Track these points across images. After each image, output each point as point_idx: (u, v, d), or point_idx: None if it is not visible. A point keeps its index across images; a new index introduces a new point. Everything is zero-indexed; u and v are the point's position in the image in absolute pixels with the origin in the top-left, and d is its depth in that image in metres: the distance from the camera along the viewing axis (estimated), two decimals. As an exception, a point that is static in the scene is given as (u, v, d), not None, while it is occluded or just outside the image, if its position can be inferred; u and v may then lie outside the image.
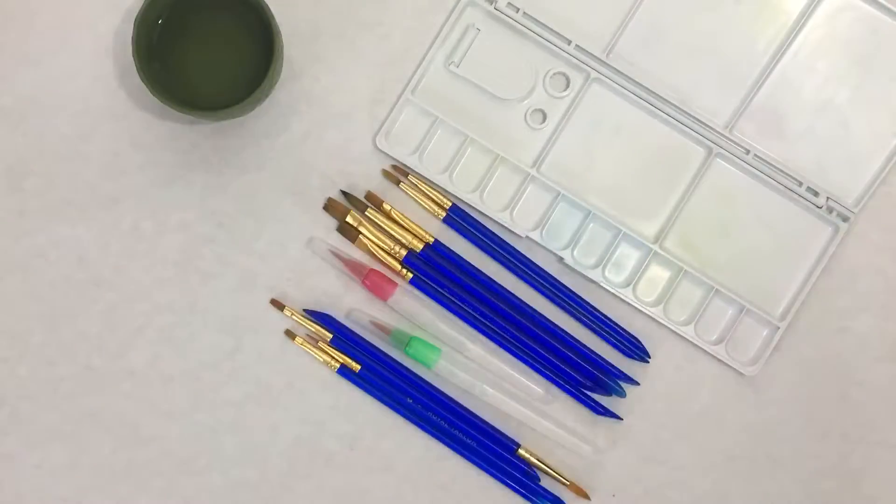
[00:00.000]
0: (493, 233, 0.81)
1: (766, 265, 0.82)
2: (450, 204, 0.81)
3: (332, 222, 0.81)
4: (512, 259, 0.81)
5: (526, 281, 0.81)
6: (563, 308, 0.81)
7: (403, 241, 0.80)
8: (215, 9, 0.77)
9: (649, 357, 0.81)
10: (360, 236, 0.80)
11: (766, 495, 0.81)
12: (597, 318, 0.81)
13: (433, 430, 0.80)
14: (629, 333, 0.81)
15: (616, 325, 0.81)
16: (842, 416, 0.82)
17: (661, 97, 0.81)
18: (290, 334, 0.80)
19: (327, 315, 0.80)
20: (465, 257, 0.81)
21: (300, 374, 0.80)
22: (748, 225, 0.82)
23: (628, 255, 0.82)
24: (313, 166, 0.81)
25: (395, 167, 0.81)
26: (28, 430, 0.79)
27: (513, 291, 0.81)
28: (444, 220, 0.80)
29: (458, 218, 0.81)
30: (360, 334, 0.81)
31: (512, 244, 0.81)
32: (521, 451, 0.80)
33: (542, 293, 0.81)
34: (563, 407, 0.81)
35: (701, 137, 0.81)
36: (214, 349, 0.80)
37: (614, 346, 0.81)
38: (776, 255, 0.82)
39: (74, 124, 0.80)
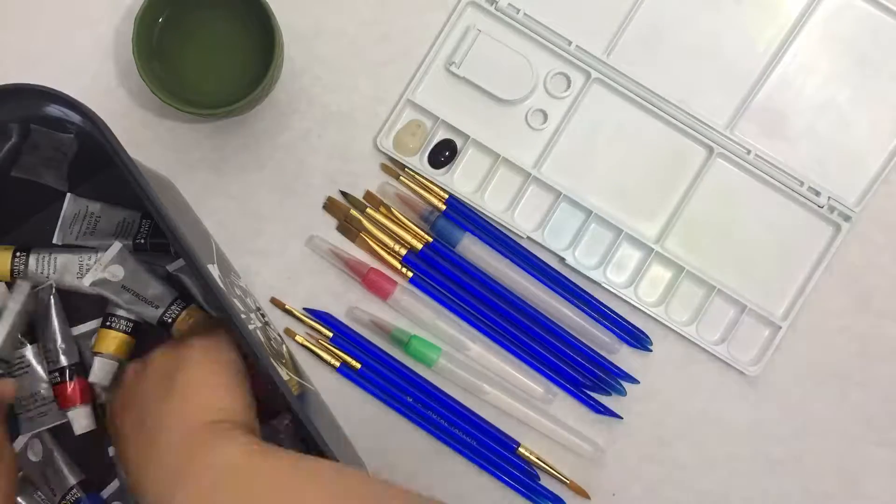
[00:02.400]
0: (492, 224, 0.81)
1: (768, 265, 0.82)
2: (446, 195, 0.81)
3: (333, 221, 0.81)
4: (511, 250, 0.81)
5: (526, 270, 0.81)
6: (562, 297, 0.81)
7: (403, 240, 0.80)
8: (216, 8, 0.77)
9: (651, 344, 0.81)
10: (360, 235, 0.80)
11: (766, 495, 0.81)
12: (596, 307, 0.81)
13: (433, 428, 0.80)
14: (629, 322, 0.81)
15: (616, 313, 0.81)
16: (842, 416, 0.82)
17: (661, 97, 0.81)
18: (290, 332, 0.80)
19: (327, 314, 0.80)
20: (463, 255, 0.81)
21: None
22: (749, 225, 0.82)
23: (630, 256, 0.82)
24: (313, 166, 0.81)
25: (393, 161, 0.81)
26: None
27: (512, 289, 0.80)
28: (444, 213, 0.80)
29: (457, 210, 0.81)
30: (360, 333, 0.81)
31: (511, 238, 0.81)
32: (521, 450, 0.80)
33: (543, 282, 0.81)
34: (564, 406, 0.81)
35: (702, 137, 0.81)
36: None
37: (616, 334, 0.81)
38: (777, 254, 0.82)
39: (75, 123, 0.80)
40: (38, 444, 0.76)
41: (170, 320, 0.73)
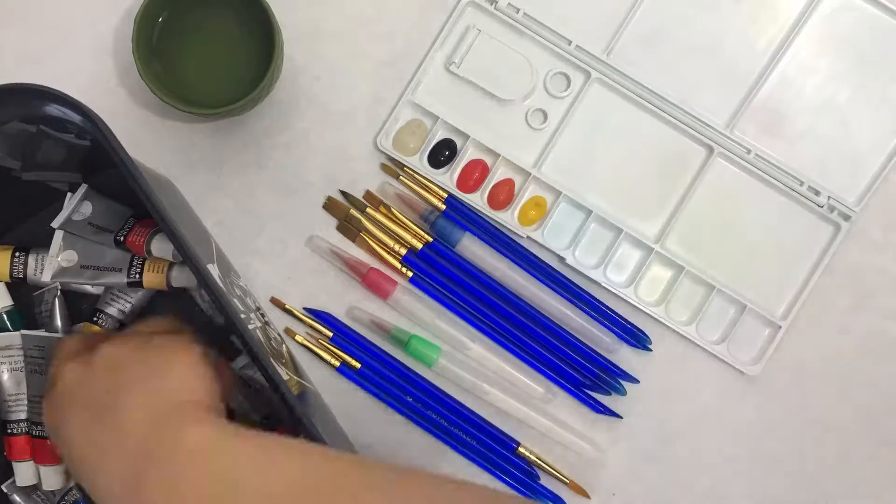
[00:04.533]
0: (492, 224, 0.81)
1: (768, 264, 0.82)
2: (446, 195, 0.81)
3: (333, 221, 0.81)
4: (511, 249, 0.81)
5: (526, 270, 0.81)
6: (562, 296, 0.81)
7: (403, 239, 0.80)
8: (215, 7, 0.77)
9: (651, 343, 0.81)
10: (360, 235, 0.80)
11: (766, 495, 0.81)
12: (596, 306, 0.81)
13: (433, 428, 0.80)
14: (629, 322, 0.81)
15: (616, 313, 0.81)
16: (842, 416, 0.82)
17: (661, 97, 0.81)
18: (290, 332, 0.80)
19: (327, 313, 0.80)
20: (463, 255, 0.81)
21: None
22: (749, 224, 0.82)
23: (629, 255, 0.82)
24: (313, 165, 0.81)
25: (393, 160, 0.81)
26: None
27: (512, 288, 0.80)
28: (444, 213, 0.80)
29: (456, 209, 0.81)
30: (360, 332, 0.81)
31: (511, 238, 0.81)
32: (520, 450, 0.80)
33: (543, 282, 0.81)
34: (563, 405, 0.81)
35: (702, 137, 0.81)
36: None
37: (616, 333, 0.81)
38: (777, 254, 0.82)
39: (75, 123, 0.80)
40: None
41: (137, 277, 0.73)
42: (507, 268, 0.80)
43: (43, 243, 0.76)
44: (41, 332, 0.74)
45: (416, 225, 0.81)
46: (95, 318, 0.74)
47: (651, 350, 0.81)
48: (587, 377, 0.81)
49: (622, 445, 0.81)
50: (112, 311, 0.74)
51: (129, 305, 0.75)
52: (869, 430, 0.82)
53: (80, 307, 0.77)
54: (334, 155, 0.81)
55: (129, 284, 0.73)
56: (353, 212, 0.80)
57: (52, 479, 0.74)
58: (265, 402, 0.77)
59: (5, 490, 0.76)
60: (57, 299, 0.75)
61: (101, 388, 0.61)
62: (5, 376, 0.74)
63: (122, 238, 0.73)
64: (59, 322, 0.75)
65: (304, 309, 0.81)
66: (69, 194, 0.74)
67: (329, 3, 0.81)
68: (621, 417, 0.81)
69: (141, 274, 0.73)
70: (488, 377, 0.81)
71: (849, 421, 0.82)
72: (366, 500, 0.52)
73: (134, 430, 0.57)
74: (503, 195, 0.81)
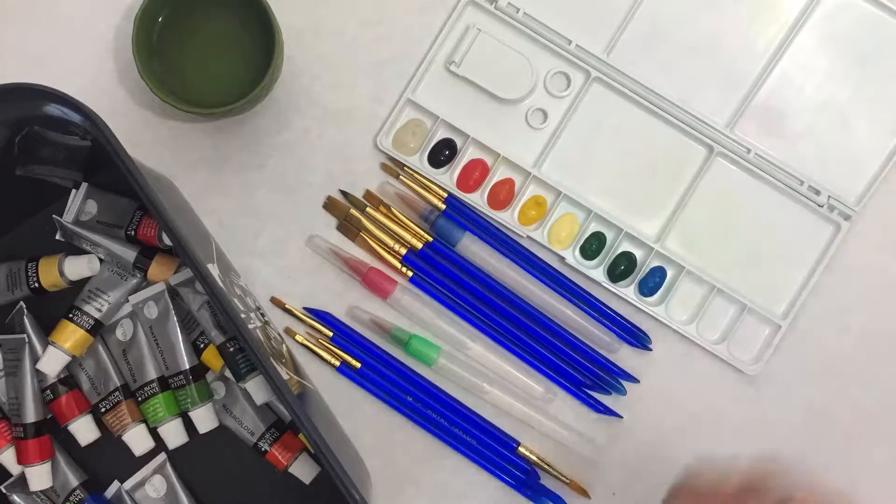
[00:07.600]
0: (492, 223, 0.81)
1: (768, 264, 0.81)
2: (446, 195, 0.81)
3: (333, 221, 0.81)
4: (511, 249, 0.81)
5: (526, 270, 0.81)
6: (562, 296, 0.81)
7: (403, 239, 0.80)
8: (215, 7, 0.77)
9: (651, 343, 0.81)
10: (360, 234, 0.80)
11: (766, 494, 0.81)
12: (596, 306, 0.81)
13: (433, 427, 0.80)
14: (629, 321, 0.81)
15: (616, 313, 0.81)
16: (841, 415, 0.82)
17: (661, 97, 0.81)
18: (290, 332, 0.80)
19: (327, 313, 0.80)
20: (463, 254, 0.81)
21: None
22: (749, 224, 0.82)
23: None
24: (313, 165, 0.81)
25: (393, 160, 0.81)
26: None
27: (512, 288, 0.80)
28: (444, 213, 0.80)
29: (456, 209, 0.81)
30: (360, 332, 0.81)
31: (512, 238, 0.81)
32: (521, 449, 0.80)
33: (543, 282, 0.81)
34: (564, 405, 0.81)
35: (702, 137, 0.81)
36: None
37: (616, 333, 0.81)
38: (777, 253, 0.82)
39: (75, 123, 0.80)
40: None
41: (133, 232, 0.74)
42: (507, 268, 0.80)
43: (43, 244, 0.76)
44: (14, 336, 0.74)
45: (416, 224, 0.81)
46: (71, 315, 0.74)
47: (651, 350, 0.81)
48: (587, 377, 0.81)
49: (622, 445, 0.81)
50: (90, 308, 0.74)
51: (106, 304, 0.74)
52: (868, 429, 0.82)
53: (51, 313, 0.76)
54: (334, 155, 0.81)
55: (136, 265, 0.74)
56: (353, 211, 0.80)
57: (38, 479, 0.74)
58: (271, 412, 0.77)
59: (5, 490, 0.76)
60: (25, 317, 0.75)
61: None
62: None
63: (132, 232, 0.73)
64: (32, 334, 0.75)
65: (304, 309, 0.81)
66: (73, 191, 0.74)
67: (329, 3, 0.81)
68: (622, 417, 0.81)
69: (136, 230, 0.74)
70: (488, 377, 0.81)
71: (849, 420, 0.82)
72: None
73: None
74: (503, 195, 0.81)
